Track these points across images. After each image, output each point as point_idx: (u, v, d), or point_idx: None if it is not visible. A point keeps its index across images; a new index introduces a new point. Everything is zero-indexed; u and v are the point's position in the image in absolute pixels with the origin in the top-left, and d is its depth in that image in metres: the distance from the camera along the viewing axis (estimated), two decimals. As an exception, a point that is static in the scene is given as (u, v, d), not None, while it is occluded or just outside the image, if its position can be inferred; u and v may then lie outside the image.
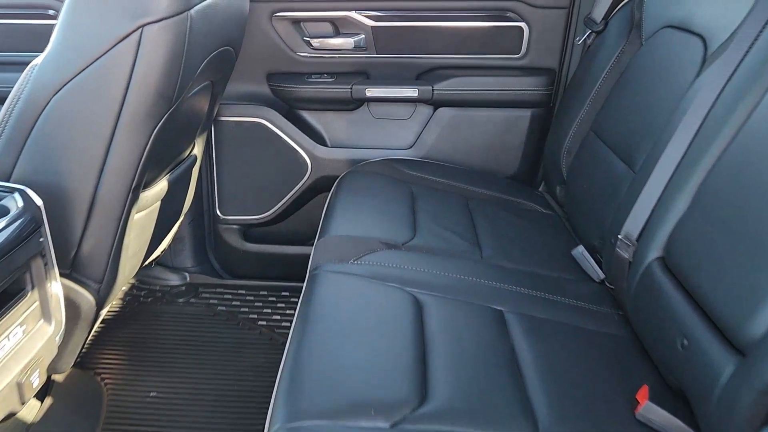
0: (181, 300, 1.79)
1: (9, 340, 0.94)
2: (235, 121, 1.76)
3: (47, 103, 1.05)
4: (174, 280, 1.87)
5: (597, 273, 1.26)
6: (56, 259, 1.14)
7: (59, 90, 1.05)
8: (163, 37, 1.04)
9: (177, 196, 1.55)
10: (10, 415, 0.96)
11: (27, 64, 1.09)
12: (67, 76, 1.04)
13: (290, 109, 1.81)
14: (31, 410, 1.35)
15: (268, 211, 1.85)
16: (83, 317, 1.24)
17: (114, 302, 1.74)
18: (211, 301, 1.80)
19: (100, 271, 1.23)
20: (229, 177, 1.81)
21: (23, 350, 0.97)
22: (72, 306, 1.22)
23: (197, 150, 1.59)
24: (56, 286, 1.11)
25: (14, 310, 0.96)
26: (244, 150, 1.79)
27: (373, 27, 1.69)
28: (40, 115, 1.06)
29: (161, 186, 1.36)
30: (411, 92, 1.72)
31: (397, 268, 1.15)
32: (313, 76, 1.74)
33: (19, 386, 0.95)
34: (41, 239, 1.03)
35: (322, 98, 1.74)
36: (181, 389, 1.44)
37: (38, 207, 1.02)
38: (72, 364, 1.35)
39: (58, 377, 1.43)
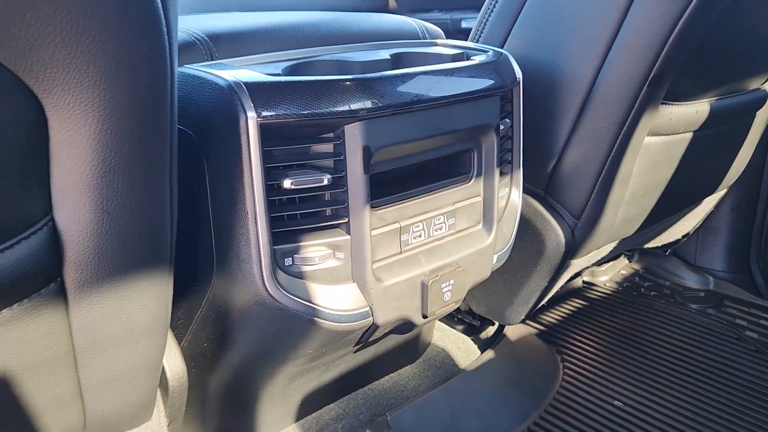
0: (694, 306, 1.30)
1: (426, 226, 0.71)
2: None
3: None
4: (692, 280, 1.39)
5: None
6: (529, 171, 0.87)
7: None
8: None
9: (720, 143, 1.07)
10: (408, 327, 0.74)
11: None
12: None
13: None
14: (466, 355, 1.14)
15: None
16: (546, 257, 0.94)
17: (608, 284, 1.39)
18: (737, 321, 1.24)
19: (579, 202, 0.90)
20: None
21: (441, 248, 0.73)
22: (536, 238, 0.94)
23: (770, 87, 1.08)
24: (516, 195, 0.83)
25: (444, 192, 0.73)
26: None
27: None
28: None
29: (697, 108, 0.92)
30: None
31: None
32: None
33: (423, 289, 0.71)
34: (506, 119, 0.77)
35: None
36: (661, 409, 0.99)
37: (516, 79, 0.77)
38: (522, 317, 1.07)
39: (510, 333, 1.18)
